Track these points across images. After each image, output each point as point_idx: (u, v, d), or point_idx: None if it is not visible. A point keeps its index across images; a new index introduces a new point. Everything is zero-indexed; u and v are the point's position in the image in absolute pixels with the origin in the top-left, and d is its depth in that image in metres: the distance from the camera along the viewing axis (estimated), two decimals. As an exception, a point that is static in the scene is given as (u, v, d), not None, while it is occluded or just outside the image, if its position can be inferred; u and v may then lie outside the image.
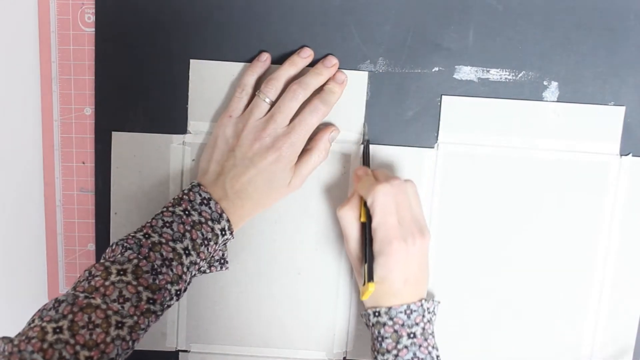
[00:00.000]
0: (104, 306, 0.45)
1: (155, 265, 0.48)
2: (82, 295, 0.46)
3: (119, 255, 0.48)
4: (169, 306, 0.50)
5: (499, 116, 0.57)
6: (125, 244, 0.49)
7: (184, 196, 0.51)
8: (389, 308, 0.52)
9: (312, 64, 0.55)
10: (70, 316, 0.45)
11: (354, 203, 0.53)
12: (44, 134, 0.58)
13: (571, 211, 0.58)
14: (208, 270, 0.55)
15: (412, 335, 0.51)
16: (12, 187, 0.59)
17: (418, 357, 0.51)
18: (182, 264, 0.49)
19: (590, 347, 0.60)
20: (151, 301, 0.47)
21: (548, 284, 0.59)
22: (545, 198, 0.58)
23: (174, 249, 0.49)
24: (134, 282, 0.47)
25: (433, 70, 0.56)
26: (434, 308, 0.54)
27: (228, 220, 0.52)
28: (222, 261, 0.55)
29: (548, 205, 0.58)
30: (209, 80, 0.56)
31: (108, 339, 0.45)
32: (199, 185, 0.52)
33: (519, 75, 0.56)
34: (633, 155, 0.57)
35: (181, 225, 0.50)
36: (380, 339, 0.52)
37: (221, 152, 0.53)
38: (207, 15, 0.56)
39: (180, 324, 0.59)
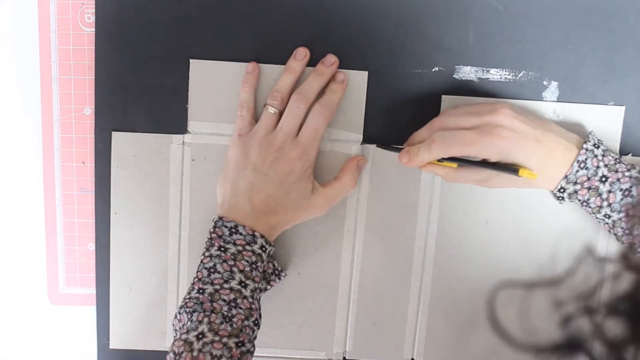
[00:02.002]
0: None
1: (224, 313, 0.48)
2: None
3: (189, 323, 0.49)
4: (255, 337, 0.50)
5: (499, 116, 0.57)
6: (187, 309, 0.49)
7: (212, 235, 0.52)
8: (565, 176, 0.51)
9: (314, 64, 0.55)
10: None
11: (438, 168, 0.53)
12: (44, 134, 0.58)
13: (571, 211, 0.58)
14: (269, 287, 0.56)
15: (604, 179, 0.51)
16: (12, 187, 0.59)
17: (625, 189, 0.50)
18: (245, 297, 0.50)
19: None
20: (240, 344, 0.48)
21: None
22: (545, 197, 0.58)
23: (231, 289, 0.49)
24: (216, 338, 0.47)
25: (433, 70, 0.56)
26: (592, 139, 0.52)
27: (262, 236, 0.52)
28: (277, 272, 0.56)
29: (548, 204, 0.58)
30: (209, 80, 0.56)
31: None
32: (220, 218, 0.52)
33: (519, 75, 0.56)
34: (633, 155, 0.57)
35: (225, 264, 0.50)
36: (584, 204, 0.52)
37: (236, 173, 0.53)
38: (207, 15, 0.55)
39: (180, 324, 0.59)
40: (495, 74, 0.56)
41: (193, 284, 0.51)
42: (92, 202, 0.59)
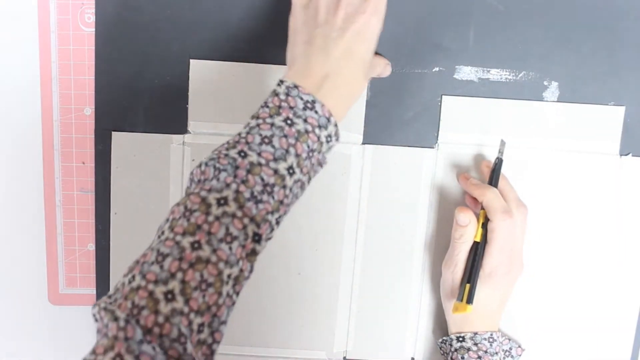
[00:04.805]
0: (214, 258, 0.39)
1: (255, 192, 0.41)
2: (186, 243, 0.39)
3: (214, 181, 0.41)
4: (269, 239, 0.43)
5: (499, 116, 0.57)
6: (217, 165, 0.41)
7: (282, 103, 0.44)
8: (475, 333, 0.53)
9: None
10: (179, 275, 0.38)
11: (475, 220, 0.53)
12: (44, 134, 0.58)
13: (570, 211, 0.58)
14: (307, 184, 0.46)
15: None
16: (12, 187, 0.59)
17: None
18: (284, 187, 0.42)
19: (589, 346, 0.60)
20: (257, 238, 0.41)
21: (546, 283, 0.59)
22: (544, 198, 0.58)
23: (276, 171, 0.42)
24: (239, 214, 0.40)
25: (433, 70, 0.56)
26: (509, 348, 0.56)
27: (336, 125, 0.45)
28: (320, 162, 0.47)
29: (547, 204, 0.58)
30: (209, 80, 0.56)
31: (220, 301, 0.39)
32: (296, 87, 0.44)
33: (519, 75, 0.56)
34: (633, 155, 0.57)
35: (284, 139, 0.42)
36: None
37: (306, 33, 0.47)
38: (207, 15, 0.55)
39: (181, 324, 0.59)
40: (496, 74, 0.56)
41: (236, 142, 0.43)
42: (92, 202, 0.59)
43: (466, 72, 0.56)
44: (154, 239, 0.41)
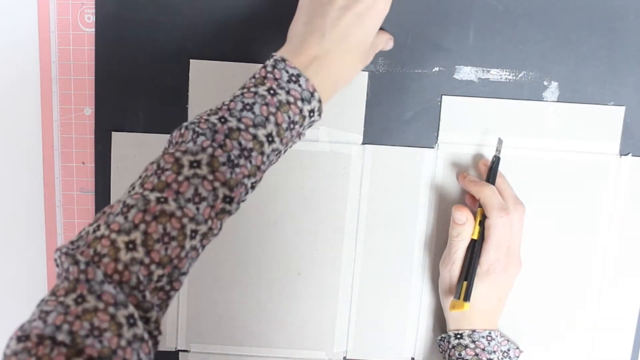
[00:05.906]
0: (179, 213, 0.39)
1: (232, 156, 0.41)
2: (153, 197, 0.39)
3: (191, 143, 0.41)
4: (243, 201, 0.44)
5: (499, 116, 0.57)
6: (197, 129, 0.42)
7: (268, 74, 0.44)
8: (473, 331, 0.53)
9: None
10: (142, 226, 0.38)
11: (472, 219, 0.54)
12: (44, 134, 0.58)
13: (571, 211, 0.58)
14: (283, 153, 0.47)
15: None
16: (12, 187, 0.59)
17: None
18: (262, 153, 0.43)
19: (589, 346, 0.60)
20: (228, 200, 0.41)
21: (547, 283, 0.59)
22: (545, 198, 0.58)
23: (254, 137, 0.42)
24: (210, 177, 0.40)
25: (433, 70, 0.56)
26: (508, 349, 0.56)
27: (319, 101, 0.45)
28: (299, 135, 0.47)
29: (548, 205, 0.58)
30: (209, 80, 0.56)
31: (182, 254, 0.40)
32: (283, 60, 0.45)
33: (519, 75, 0.56)
34: (633, 155, 0.57)
35: (264, 107, 0.43)
36: None
37: (311, 12, 0.47)
38: (207, 15, 0.56)
39: (180, 324, 0.59)
40: (495, 74, 0.56)
41: (219, 108, 0.43)
42: (92, 202, 0.59)
43: (466, 72, 0.56)
44: (125, 194, 0.42)
